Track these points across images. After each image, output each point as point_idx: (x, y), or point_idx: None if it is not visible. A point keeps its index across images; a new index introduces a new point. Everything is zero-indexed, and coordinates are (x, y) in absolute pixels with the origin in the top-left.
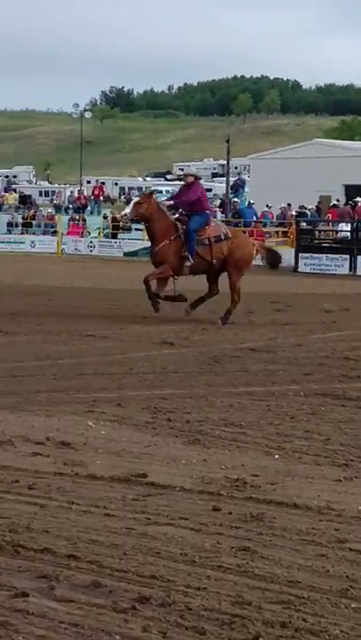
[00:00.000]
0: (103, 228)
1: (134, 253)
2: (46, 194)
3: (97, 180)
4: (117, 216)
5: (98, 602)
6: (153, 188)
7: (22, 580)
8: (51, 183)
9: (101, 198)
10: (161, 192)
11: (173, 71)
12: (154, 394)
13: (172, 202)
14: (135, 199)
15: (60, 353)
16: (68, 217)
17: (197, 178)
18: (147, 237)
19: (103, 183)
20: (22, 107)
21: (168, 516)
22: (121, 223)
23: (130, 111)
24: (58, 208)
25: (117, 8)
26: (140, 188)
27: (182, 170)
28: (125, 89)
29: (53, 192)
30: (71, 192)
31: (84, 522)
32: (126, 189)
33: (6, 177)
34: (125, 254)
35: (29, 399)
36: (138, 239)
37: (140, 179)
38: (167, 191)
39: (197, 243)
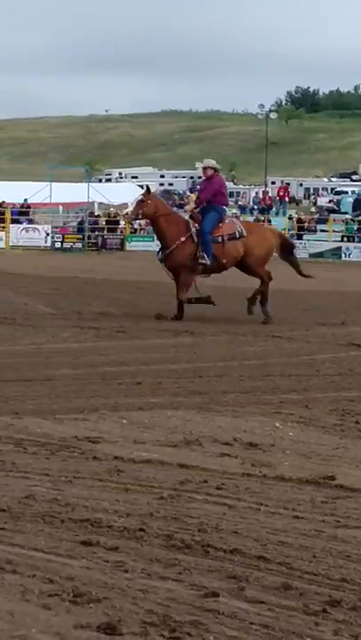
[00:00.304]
0: (288, 229)
1: (320, 254)
2: (231, 194)
3: (282, 181)
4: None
5: (288, 604)
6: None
7: (212, 580)
8: (235, 184)
9: (286, 199)
10: (347, 192)
11: (360, 71)
12: (341, 396)
13: (194, 205)
14: (138, 197)
15: (246, 354)
16: (253, 218)
17: (217, 170)
18: (329, 238)
19: (288, 184)
20: (207, 107)
21: (358, 519)
22: (305, 224)
23: (315, 111)
24: (243, 209)
25: (301, 8)
26: (325, 189)
27: None
28: (311, 89)
29: (238, 193)
30: (256, 193)
31: (273, 523)
32: (311, 190)
33: (191, 178)
34: (311, 255)
35: (216, 399)
36: (324, 240)
37: (326, 179)
38: (353, 192)
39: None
